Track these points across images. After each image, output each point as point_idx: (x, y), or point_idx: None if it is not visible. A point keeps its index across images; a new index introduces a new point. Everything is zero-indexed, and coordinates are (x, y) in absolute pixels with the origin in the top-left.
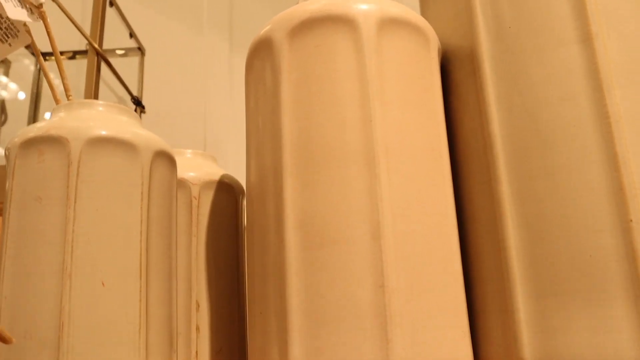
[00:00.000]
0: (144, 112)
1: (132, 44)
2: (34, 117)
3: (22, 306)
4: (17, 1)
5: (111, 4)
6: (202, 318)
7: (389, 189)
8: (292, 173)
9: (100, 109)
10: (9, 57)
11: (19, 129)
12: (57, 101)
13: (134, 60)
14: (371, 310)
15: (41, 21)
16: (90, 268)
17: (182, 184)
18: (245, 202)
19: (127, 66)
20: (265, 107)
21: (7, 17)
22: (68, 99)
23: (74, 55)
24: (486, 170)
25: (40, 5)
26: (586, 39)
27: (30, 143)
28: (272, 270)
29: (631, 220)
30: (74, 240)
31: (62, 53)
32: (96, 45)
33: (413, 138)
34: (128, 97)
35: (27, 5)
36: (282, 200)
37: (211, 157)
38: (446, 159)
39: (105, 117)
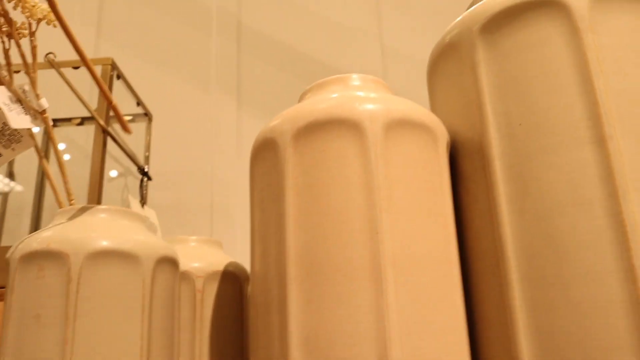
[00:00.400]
0: (150, 180)
1: (139, 110)
2: (38, 208)
3: None
4: (20, 109)
5: (118, 77)
6: None
7: (397, 307)
8: (296, 286)
9: (102, 215)
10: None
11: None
12: (59, 205)
13: (142, 126)
14: None
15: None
16: None
17: (186, 276)
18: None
19: (136, 133)
20: (270, 210)
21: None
22: (70, 204)
23: (82, 121)
24: (497, 275)
25: (44, 111)
26: (600, 141)
27: (31, 257)
28: None
29: None
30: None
31: (70, 119)
32: (102, 123)
33: (422, 248)
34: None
35: (31, 112)
36: (287, 314)
37: (216, 243)
38: (456, 267)
39: (107, 225)
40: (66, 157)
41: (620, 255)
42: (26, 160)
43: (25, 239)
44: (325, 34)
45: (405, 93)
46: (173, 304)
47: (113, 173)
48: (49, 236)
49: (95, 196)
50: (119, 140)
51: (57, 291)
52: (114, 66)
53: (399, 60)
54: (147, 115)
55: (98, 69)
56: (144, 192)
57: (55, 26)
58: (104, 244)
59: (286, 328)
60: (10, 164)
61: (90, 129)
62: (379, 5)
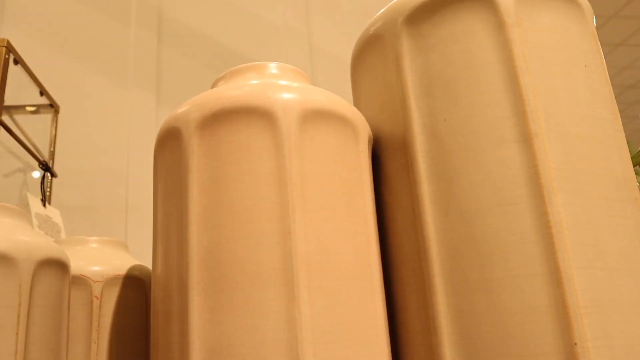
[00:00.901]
0: (55, 177)
1: (43, 100)
2: None
3: None
4: None
5: (15, 62)
6: None
7: (310, 315)
8: (199, 292)
9: None
10: None
11: None
12: None
13: (47, 117)
14: None
15: None
16: None
17: (81, 281)
18: None
19: (40, 124)
20: (172, 209)
21: None
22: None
23: None
24: (420, 279)
25: None
26: (525, 139)
27: None
28: None
29: (575, 344)
30: None
31: None
32: None
33: (339, 250)
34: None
35: None
36: (188, 323)
37: (121, 244)
38: (377, 270)
39: None
40: None
41: (546, 258)
42: None
43: None
44: (252, 30)
45: (334, 91)
46: (60, 312)
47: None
48: None
49: None
50: (16, 133)
51: None
52: (9, 48)
53: (328, 60)
54: (52, 106)
55: None
56: (47, 189)
57: None
58: None
59: (187, 339)
60: None
61: None
62: (307, 4)
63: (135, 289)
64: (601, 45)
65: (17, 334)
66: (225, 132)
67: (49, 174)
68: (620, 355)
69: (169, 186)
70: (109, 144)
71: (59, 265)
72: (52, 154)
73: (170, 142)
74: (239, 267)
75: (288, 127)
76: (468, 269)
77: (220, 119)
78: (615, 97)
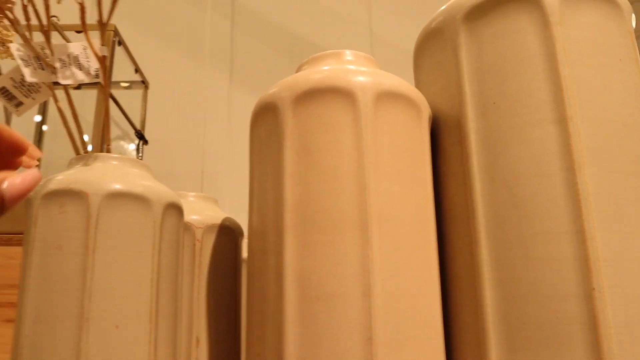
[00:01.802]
0: (147, 144)
1: (137, 77)
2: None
3: (42, 346)
4: (38, 64)
5: (119, 43)
6: (202, 353)
7: (380, 253)
8: (292, 233)
9: (115, 162)
10: None
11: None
12: (75, 151)
13: (138, 93)
14: (360, 349)
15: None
16: (105, 313)
17: (187, 227)
18: (243, 242)
19: (132, 98)
20: (268, 168)
21: (22, 74)
22: (84, 151)
23: (79, 85)
24: (468, 234)
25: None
26: (562, 121)
27: (52, 195)
28: (271, 318)
29: (594, 289)
30: (92, 287)
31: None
32: (108, 89)
33: (403, 206)
34: (132, 130)
35: (49, 68)
36: (282, 257)
37: (212, 199)
38: (432, 224)
39: (119, 171)
40: None
41: (574, 220)
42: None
43: (45, 181)
44: (316, 16)
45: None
46: (178, 247)
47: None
48: (68, 177)
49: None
50: (119, 104)
51: (77, 225)
52: (116, 32)
53: (386, 45)
54: (144, 83)
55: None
56: (140, 155)
57: None
58: (119, 186)
59: (282, 269)
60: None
61: (88, 94)
62: None
63: (228, 236)
64: None
65: (152, 257)
66: (313, 107)
67: (142, 141)
68: (630, 301)
69: (265, 150)
70: (187, 117)
71: (178, 210)
72: (142, 125)
73: (267, 114)
74: (324, 215)
75: (365, 105)
76: (508, 227)
77: (310, 97)
78: None
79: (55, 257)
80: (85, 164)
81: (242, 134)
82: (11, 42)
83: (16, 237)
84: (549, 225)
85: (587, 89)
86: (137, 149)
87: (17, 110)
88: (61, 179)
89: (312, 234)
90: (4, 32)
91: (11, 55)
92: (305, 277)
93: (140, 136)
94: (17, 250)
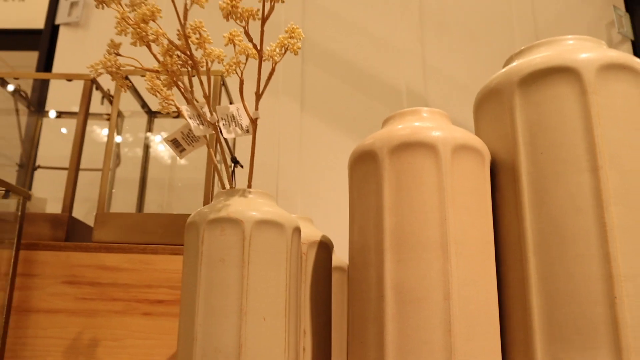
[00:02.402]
0: (242, 168)
1: None
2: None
3: (212, 332)
4: (199, 120)
5: (223, 83)
6: (307, 342)
7: (456, 268)
8: (390, 252)
9: (251, 196)
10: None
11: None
12: (222, 186)
13: None
14: (442, 347)
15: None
16: (257, 309)
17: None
18: (322, 252)
19: None
20: (370, 202)
21: (191, 130)
22: (230, 186)
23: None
24: (519, 254)
25: (216, 121)
26: (594, 170)
27: (215, 222)
28: (372, 316)
29: (615, 297)
30: (248, 290)
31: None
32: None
33: (472, 232)
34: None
35: (206, 123)
36: (383, 270)
37: (309, 219)
38: (492, 245)
39: (257, 202)
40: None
41: (601, 245)
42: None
43: (203, 209)
44: (376, 50)
45: (442, 105)
46: (299, 260)
47: None
48: (226, 209)
49: (210, 182)
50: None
51: (235, 244)
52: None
53: (437, 76)
54: None
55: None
56: (234, 178)
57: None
58: (261, 215)
59: (382, 279)
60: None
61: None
62: (422, 29)
63: (325, 250)
64: None
65: (286, 268)
66: (404, 156)
67: (238, 165)
68: None
69: (365, 187)
70: (263, 142)
71: (299, 231)
72: (232, 150)
73: (366, 160)
74: (414, 238)
75: (445, 155)
76: (551, 249)
77: (402, 148)
78: None
79: (219, 268)
80: (230, 196)
81: (312, 156)
82: (173, 102)
83: (149, 247)
84: (583, 249)
85: (614, 145)
86: (232, 173)
87: (180, 155)
88: (220, 208)
89: (405, 253)
90: (168, 98)
91: (168, 109)
92: (400, 285)
93: (236, 161)
94: (150, 257)
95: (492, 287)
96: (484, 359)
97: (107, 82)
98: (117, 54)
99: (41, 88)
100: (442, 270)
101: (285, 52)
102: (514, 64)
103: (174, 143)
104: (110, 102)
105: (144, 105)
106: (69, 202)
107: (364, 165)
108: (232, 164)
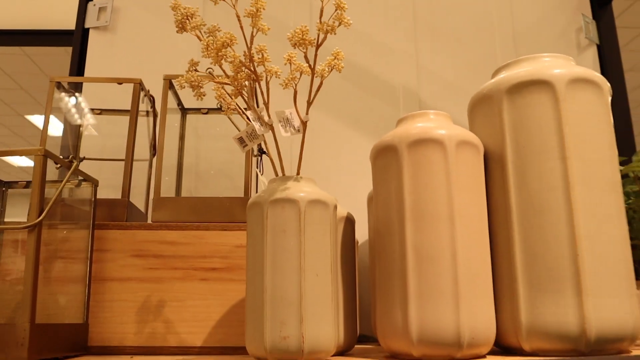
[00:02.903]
0: (268, 156)
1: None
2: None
3: (280, 283)
4: (260, 122)
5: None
6: (341, 292)
7: (460, 234)
8: (410, 222)
9: (301, 180)
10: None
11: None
12: (276, 173)
13: None
14: (450, 292)
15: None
16: (310, 266)
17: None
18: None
19: None
20: (390, 185)
21: (254, 130)
22: (283, 174)
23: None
24: (506, 222)
25: (271, 123)
26: (563, 158)
27: (275, 201)
28: (397, 271)
29: (577, 254)
30: (305, 252)
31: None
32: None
33: (472, 207)
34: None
35: (264, 124)
36: (405, 236)
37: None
38: (486, 217)
39: (307, 186)
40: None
41: (567, 215)
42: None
43: (263, 193)
44: (374, 52)
45: (433, 102)
46: (337, 231)
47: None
48: (286, 191)
49: (248, 170)
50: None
51: (293, 218)
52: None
53: (429, 76)
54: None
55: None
56: (262, 165)
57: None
58: (312, 196)
59: (405, 243)
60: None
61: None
62: (416, 34)
63: (350, 224)
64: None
65: (330, 236)
66: (419, 150)
67: (265, 154)
68: (597, 260)
69: (387, 174)
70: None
71: (335, 207)
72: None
73: (387, 152)
74: (428, 212)
75: (450, 149)
76: (530, 219)
77: (417, 143)
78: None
79: (281, 237)
80: (286, 181)
81: (320, 146)
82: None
83: (202, 225)
84: (554, 218)
85: (578, 140)
86: (259, 162)
87: (243, 150)
88: (280, 190)
89: (421, 223)
90: (231, 104)
91: (231, 113)
92: (419, 247)
93: (262, 152)
94: (203, 233)
95: (487, 248)
96: (481, 300)
97: (148, 84)
98: (196, 70)
99: (75, 88)
100: (449, 236)
101: (331, 70)
102: (502, 75)
103: (240, 140)
104: (150, 101)
105: (179, 103)
106: (127, 188)
107: (386, 157)
108: (260, 154)
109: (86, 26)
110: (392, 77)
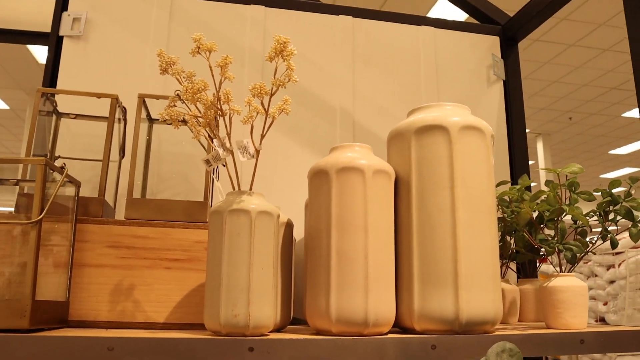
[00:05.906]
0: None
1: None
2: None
3: (233, 273)
4: (223, 148)
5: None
6: (279, 282)
7: (372, 242)
8: (335, 230)
9: (251, 195)
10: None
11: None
12: (233, 188)
13: None
14: (362, 285)
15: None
16: (258, 262)
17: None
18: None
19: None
20: (321, 200)
21: (218, 154)
22: (238, 188)
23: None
24: (407, 234)
25: (232, 149)
26: (452, 187)
27: (234, 211)
28: (323, 267)
29: (457, 260)
30: (254, 251)
31: None
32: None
33: (381, 221)
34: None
35: (227, 151)
36: (330, 240)
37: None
38: (393, 228)
39: (260, 199)
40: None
41: (452, 230)
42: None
43: (222, 203)
44: (318, 76)
45: (365, 121)
46: (279, 234)
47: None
48: (241, 203)
49: (208, 179)
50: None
51: (246, 225)
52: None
53: (362, 99)
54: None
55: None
56: (218, 172)
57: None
58: (261, 208)
59: (330, 246)
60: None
61: None
62: (354, 61)
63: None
64: (589, 50)
65: (274, 240)
66: (345, 175)
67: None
68: (472, 263)
69: (318, 191)
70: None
71: (277, 217)
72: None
73: (321, 174)
74: (349, 223)
75: (369, 177)
76: (426, 232)
77: (344, 170)
78: (600, 96)
79: (236, 238)
80: (241, 195)
81: (272, 160)
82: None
83: (168, 223)
84: (443, 232)
85: (464, 173)
86: (213, 172)
87: (209, 168)
88: (235, 203)
89: (343, 231)
90: (200, 132)
91: (199, 138)
92: (340, 250)
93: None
94: (168, 229)
95: (392, 252)
96: (385, 292)
97: (117, 91)
98: (175, 105)
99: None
100: (364, 242)
101: (281, 112)
102: (412, 118)
103: (207, 162)
104: (123, 111)
105: (148, 114)
106: (103, 188)
107: (319, 178)
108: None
109: (60, 34)
110: (332, 99)
